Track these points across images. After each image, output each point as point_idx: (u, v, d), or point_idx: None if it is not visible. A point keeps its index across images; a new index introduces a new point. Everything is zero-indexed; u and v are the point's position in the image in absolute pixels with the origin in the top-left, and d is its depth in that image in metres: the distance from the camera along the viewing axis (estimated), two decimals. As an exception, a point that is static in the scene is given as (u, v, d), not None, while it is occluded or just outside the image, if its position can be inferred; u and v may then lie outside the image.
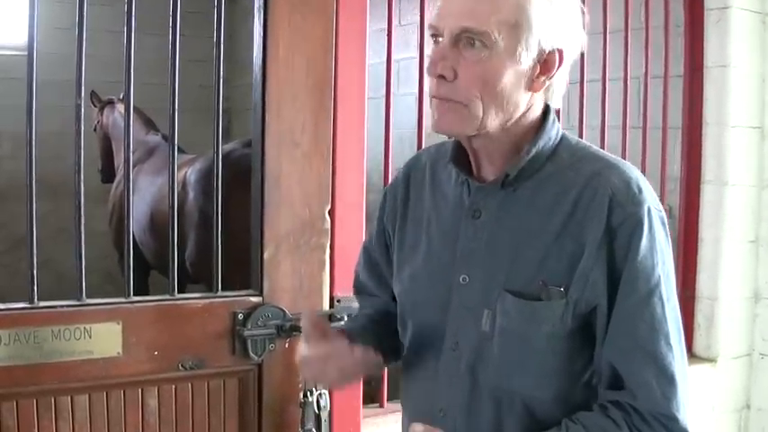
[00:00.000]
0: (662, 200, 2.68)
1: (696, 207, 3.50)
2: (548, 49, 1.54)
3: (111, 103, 5.24)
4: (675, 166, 3.54)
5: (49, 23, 4.57)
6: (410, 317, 1.75)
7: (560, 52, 1.55)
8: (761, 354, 3.57)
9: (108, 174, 5.25)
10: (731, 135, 3.42)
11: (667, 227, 1.58)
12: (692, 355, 3.46)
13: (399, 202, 1.81)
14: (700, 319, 3.52)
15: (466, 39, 1.50)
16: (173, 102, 2.31)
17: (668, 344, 1.52)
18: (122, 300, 2.26)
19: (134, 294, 2.29)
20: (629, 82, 3.35)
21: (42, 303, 2.14)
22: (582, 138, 2.53)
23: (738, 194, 3.47)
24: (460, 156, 1.66)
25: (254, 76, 2.41)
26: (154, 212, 4.16)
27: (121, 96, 4.95)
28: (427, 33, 1.61)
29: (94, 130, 5.36)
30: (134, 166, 4.17)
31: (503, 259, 1.59)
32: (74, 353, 2.15)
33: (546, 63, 1.55)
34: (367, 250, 1.95)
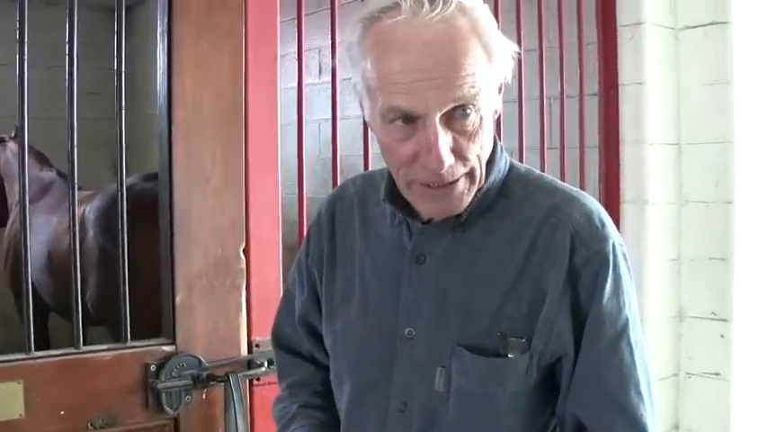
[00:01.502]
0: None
1: (617, 228, 3.41)
2: (503, 81, 1.41)
3: (1, 141, 4.99)
4: (594, 187, 3.46)
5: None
6: (347, 374, 1.57)
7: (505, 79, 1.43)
8: (687, 373, 3.50)
9: (0, 216, 4.99)
10: (649, 153, 3.36)
11: (629, 261, 1.46)
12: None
13: (325, 241, 1.62)
14: (626, 341, 3.43)
15: (457, 109, 1.31)
16: (71, 136, 2.11)
17: (638, 393, 1.39)
18: (23, 356, 2.04)
19: (34, 341, 2.07)
20: (545, 102, 3.26)
21: (-69, 364, 1.93)
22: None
23: (658, 213, 3.41)
24: (395, 192, 1.47)
25: (159, 106, 2.23)
26: (51, 251, 3.93)
27: (12, 134, 4.72)
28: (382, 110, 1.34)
29: (-16, 170, 5.09)
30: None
31: (454, 310, 1.43)
32: (-30, 418, 1.94)
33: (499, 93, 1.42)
34: (290, 296, 1.74)
